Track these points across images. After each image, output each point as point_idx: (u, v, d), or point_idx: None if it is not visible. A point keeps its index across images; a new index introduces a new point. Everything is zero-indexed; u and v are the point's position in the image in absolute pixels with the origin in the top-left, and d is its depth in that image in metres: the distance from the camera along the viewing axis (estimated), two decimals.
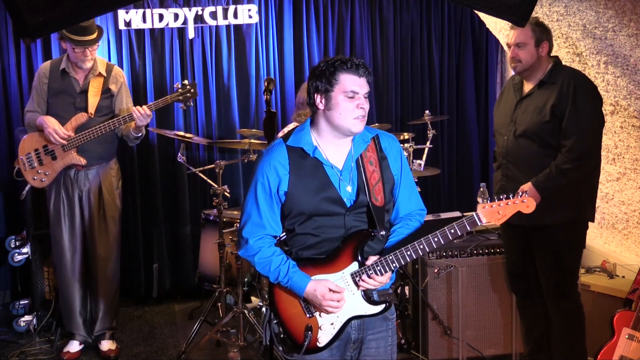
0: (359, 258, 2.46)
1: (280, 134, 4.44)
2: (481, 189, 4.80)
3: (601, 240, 4.64)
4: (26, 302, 4.84)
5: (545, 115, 3.43)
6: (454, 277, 4.06)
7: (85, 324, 4.42)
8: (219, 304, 4.56)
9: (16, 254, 4.76)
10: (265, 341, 2.61)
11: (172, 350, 4.49)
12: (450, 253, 4.08)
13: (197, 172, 4.58)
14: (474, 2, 2.52)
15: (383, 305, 2.51)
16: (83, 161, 4.19)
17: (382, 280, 2.45)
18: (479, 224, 2.42)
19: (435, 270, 4.06)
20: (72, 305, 4.38)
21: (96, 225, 4.31)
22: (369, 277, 2.44)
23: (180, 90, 4.19)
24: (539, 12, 4.19)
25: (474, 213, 2.43)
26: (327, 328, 2.50)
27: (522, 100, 3.58)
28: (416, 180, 4.79)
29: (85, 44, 4.09)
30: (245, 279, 4.46)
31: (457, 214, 4.39)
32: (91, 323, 4.44)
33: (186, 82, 4.21)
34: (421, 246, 2.42)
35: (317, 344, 2.50)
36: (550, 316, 3.62)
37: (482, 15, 5.10)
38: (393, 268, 2.44)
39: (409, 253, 2.42)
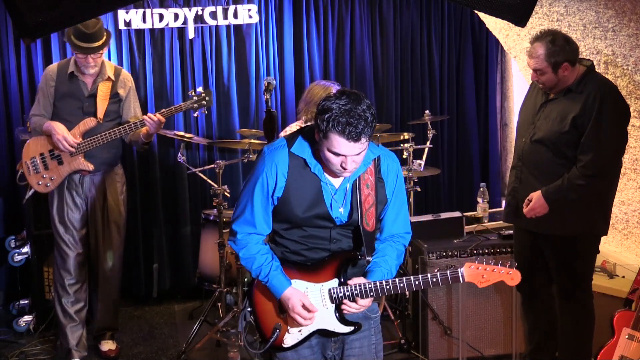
0: (340, 277, 2.50)
1: (282, 134, 4.45)
2: (481, 189, 4.80)
3: (601, 240, 4.63)
4: (26, 302, 4.83)
5: (565, 125, 3.36)
6: None
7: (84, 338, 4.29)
8: (219, 304, 4.56)
9: (16, 254, 4.75)
10: (240, 327, 2.65)
11: (172, 350, 4.49)
12: (450, 253, 4.07)
13: (197, 172, 4.58)
14: (474, 2, 2.52)
15: (352, 327, 2.54)
16: (91, 167, 4.09)
17: (362, 304, 2.49)
18: (461, 281, 2.49)
19: (435, 270, 4.05)
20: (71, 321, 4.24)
21: (100, 231, 4.25)
22: (346, 298, 2.48)
23: (195, 97, 4.05)
24: (539, 12, 4.19)
25: (459, 269, 2.47)
26: (294, 332, 2.55)
27: (546, 103, 3.50)
28: (416, 180, 4.79)
29: (87, 52, 3.98)
30: (245, 279, 4.46)
31: (457, 214, 4.39)
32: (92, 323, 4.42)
33: (201, 89, 4.08)
34: (401, 284, 2.48)
35: (282, 344, 2.55)
36: (560, 317, 3.62)
37: (482, 15, 5.09)
38: (370, 296, 2.49)
39: (388, 287, 2.47)
